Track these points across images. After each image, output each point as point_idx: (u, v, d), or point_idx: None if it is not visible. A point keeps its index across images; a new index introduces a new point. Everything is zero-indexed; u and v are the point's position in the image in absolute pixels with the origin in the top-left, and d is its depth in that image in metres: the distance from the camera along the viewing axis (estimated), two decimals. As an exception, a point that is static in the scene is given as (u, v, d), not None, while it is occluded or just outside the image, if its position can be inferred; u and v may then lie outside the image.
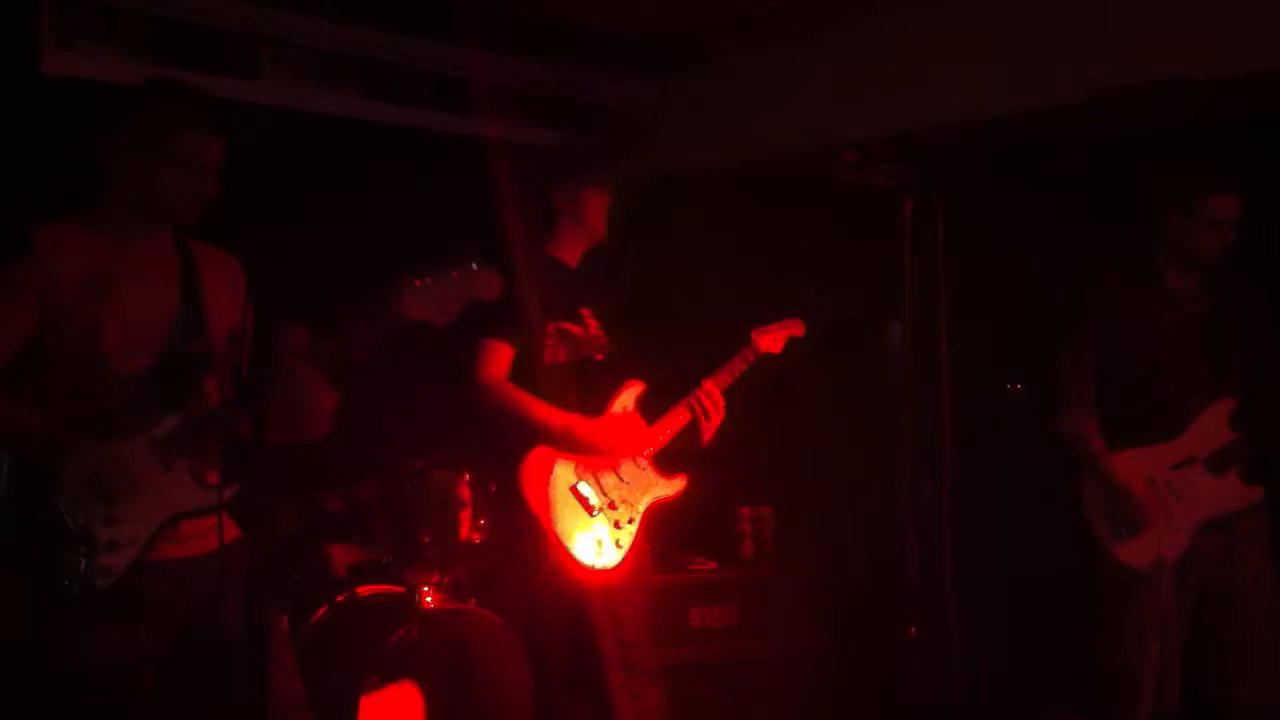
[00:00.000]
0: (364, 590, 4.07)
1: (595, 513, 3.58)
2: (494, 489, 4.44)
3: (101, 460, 2.54)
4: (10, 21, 3.96)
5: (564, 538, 3.52)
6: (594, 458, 3.62)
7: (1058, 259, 4.02)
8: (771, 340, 3.88)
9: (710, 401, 3.67)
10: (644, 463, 3.70)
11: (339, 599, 4.02)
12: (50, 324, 2.57)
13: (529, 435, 3.53)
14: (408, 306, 2.55)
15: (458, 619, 4.02)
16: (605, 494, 3.62)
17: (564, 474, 3.59)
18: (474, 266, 2.62)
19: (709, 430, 3.69)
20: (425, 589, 3.98)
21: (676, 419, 3.72)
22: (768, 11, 4.74)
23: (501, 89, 5.28)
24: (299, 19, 4.62)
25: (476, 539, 4.30)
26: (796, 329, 3.99)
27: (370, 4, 4.63)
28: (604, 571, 3.55)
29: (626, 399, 3.70)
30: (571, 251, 3.76)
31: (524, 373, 3.55)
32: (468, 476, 4.33)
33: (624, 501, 3.64)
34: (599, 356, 3.70)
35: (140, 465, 2.57)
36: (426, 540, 4.13)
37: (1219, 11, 3.95)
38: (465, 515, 4.29)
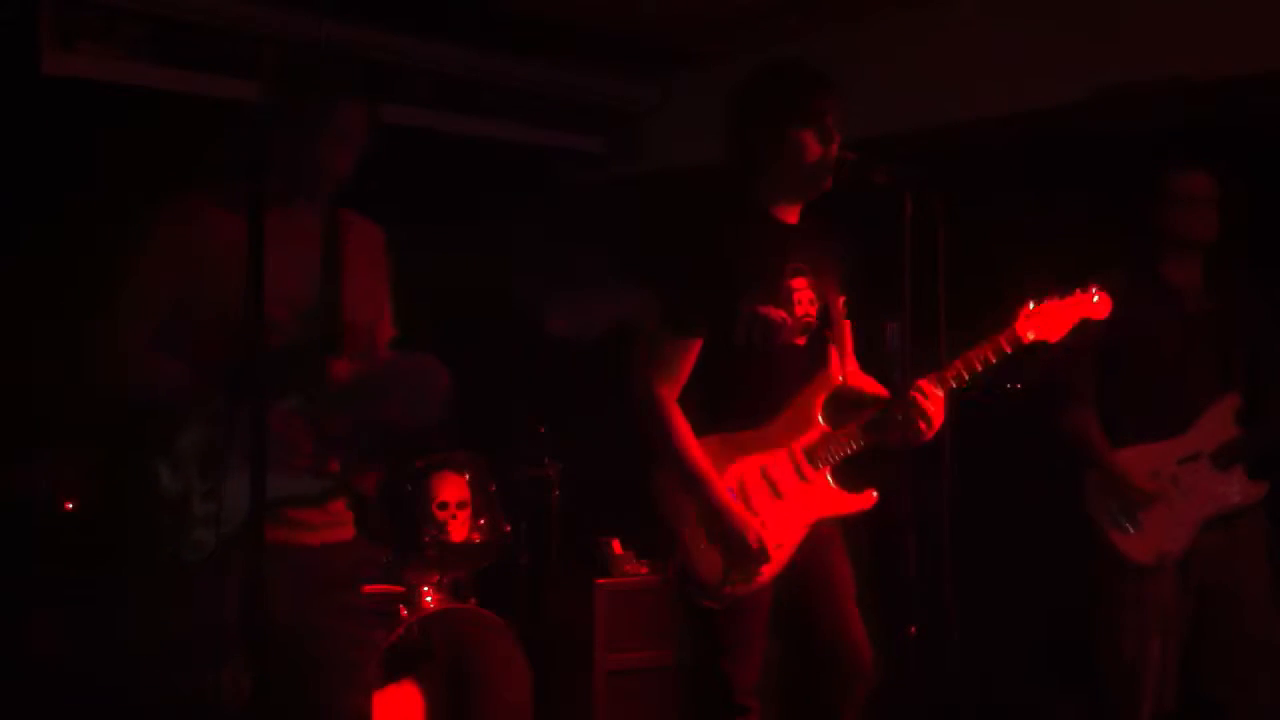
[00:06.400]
0: (364, 590, 4.07)
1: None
2: (493, 489, 4.45)
3: (213, 435, 2.46)
4: (10, 21, 3.96)
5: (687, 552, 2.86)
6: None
7: (1058, 258, 4.02)
8: (1043, 324, 2.97)
9: (927, 405, 2.83)
10: (815, 475, 2.94)
11: (339, 599, 4.02)
12: (194, 293, 2.51)
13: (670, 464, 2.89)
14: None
15: (458, 619, 4.03)
16: (749, 509, 2.89)
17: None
18: None
19: (915, 439, 2.82)
20: (425, 589, 3.98)
21: (866, 431, 2.93)
22: (768, 11, 4.74)
23: (501, 89, 5.29)
24: (299, 19, 4.62)
25: (476, 539, 4.30)
26: (1095, 308, 3.04)
27: (370, 4, 4.63)
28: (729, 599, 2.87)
29: (811, 397, 2.95)
30: (785, 201, 2.98)
31: (705, 355, 2.90)
32: (468, 476, 4.34)
33: (774, 520, 2.89)
34: (800, 341, 2.96)
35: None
36: (427, 540, 4.13)
37: (1219, 11, 3.96)
38: (465, 515, 4.29)
